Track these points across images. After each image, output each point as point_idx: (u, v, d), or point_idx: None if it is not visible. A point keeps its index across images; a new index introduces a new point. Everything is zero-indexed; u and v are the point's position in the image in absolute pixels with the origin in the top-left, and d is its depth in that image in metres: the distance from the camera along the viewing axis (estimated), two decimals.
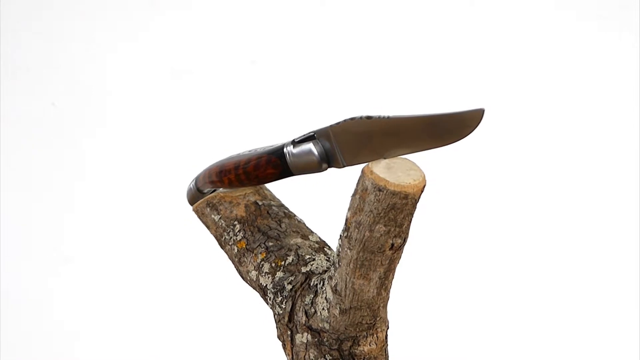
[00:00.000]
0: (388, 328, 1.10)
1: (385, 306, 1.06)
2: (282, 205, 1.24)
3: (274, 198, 1.25)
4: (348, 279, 1.02)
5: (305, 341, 1.09)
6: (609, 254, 1.96)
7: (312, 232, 1.21)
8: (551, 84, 2.16)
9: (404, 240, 0.99)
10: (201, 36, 2.25)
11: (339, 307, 1.04)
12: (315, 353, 1.08)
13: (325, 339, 1.07)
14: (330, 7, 2.26)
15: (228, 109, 2.18)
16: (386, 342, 1.10)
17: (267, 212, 1.20)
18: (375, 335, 1.07)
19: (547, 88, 2.16)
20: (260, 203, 1.21)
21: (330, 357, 1.07)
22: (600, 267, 1.94)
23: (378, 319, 1.06)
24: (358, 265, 1.00)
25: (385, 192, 0.95)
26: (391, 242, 0.98)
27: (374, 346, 1.07)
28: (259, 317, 1.44)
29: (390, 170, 0.96)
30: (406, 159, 0.99)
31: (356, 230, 0.99)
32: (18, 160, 2.11)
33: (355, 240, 0.99)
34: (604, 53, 2.17)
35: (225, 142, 2.06)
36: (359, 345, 1.07)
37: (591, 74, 2.16)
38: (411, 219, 0.98)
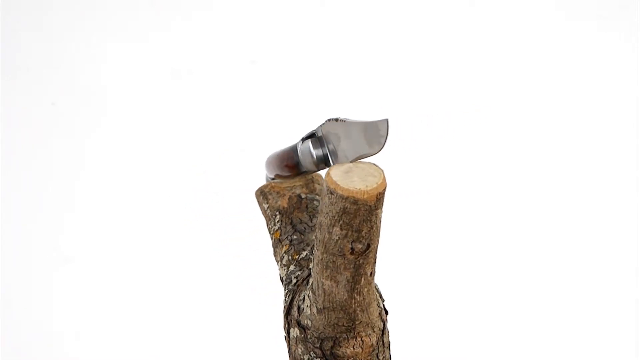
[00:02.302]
0: (383, 334, 1.08)
1: (365, 311, 1.03)
2: None
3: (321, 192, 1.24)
4: (318, 279, 1.01)
5: (295, 336, 1.09)
6: (607, 254, 1.95)
7: None
8: (551, 84, 2.16)
9: (368, 247, 0.97)
10: (201, 36, 2.26)
11: (315, 306, 1.03)
12: (302, 349, 1.08)
13: (309, 336, 1.06)
14: (330, 7, 2.26)
15: (228, 109, 2.18)
16: (379, 347, 1.07)
17: (306, 206, 1.21)
18: (359, 339, 1.05)
19: (547, 88, 2.16)
20: (303, 196, 1.22)
21: (314, 355, 1.06)
22: (596, 265, 1.93)
23: (358, 322, 1.03)
24: (324, 267, 0.99)
25: (335, 195, 0.93)
26: (350, 246, 0.96)
27: (358, 350, 1.05)
28: (260, 316, 1.44)
29: (347, 174, 0.95)
30: (373, 164, 0.97)
31: (319, 231, 0.98)
32: (18, 160, 2.11)
33: (319, 241, 0.98)
34: (604, 53, 2.17)
35: (225, 142, 2.07)
36: (340, 347, 1.05)
37: (591, 74, 2.15)
38: (372, 225, 0.96)
